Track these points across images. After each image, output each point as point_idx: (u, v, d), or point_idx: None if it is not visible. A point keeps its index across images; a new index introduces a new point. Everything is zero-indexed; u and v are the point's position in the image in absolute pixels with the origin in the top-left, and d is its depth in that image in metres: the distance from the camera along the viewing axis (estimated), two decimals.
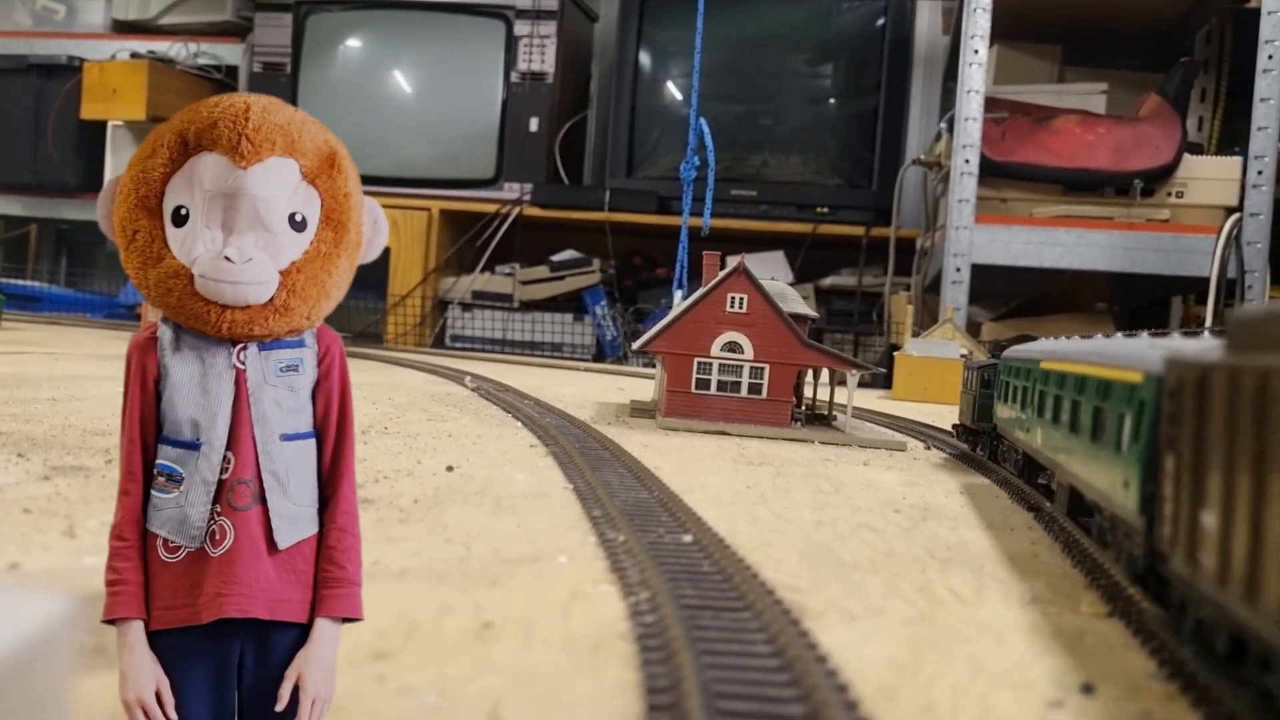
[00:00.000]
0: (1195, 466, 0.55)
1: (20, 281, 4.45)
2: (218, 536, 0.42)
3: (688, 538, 0.92)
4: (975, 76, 2.80)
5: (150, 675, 0.41)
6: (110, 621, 0.42)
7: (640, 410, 1.97)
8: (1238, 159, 2.80)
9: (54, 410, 1.47)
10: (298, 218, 0.42)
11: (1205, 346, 0.62)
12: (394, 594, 0.74)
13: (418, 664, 0.61)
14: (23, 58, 4.46)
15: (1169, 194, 2.84)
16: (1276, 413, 0.43)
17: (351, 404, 0.46)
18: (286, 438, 0.43)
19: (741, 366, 1.77)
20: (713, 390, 1.77)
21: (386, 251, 4.02)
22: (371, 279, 4.05)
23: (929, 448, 1.77)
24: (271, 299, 0.42)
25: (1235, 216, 2.68)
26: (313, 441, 0.44)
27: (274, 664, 0.43)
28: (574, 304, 3.97)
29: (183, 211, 0.42)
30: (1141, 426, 0.68)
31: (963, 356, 2.59)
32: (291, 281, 0.42)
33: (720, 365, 1.77)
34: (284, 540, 0.43)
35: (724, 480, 1.30)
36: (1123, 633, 0.77)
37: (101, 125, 4.33)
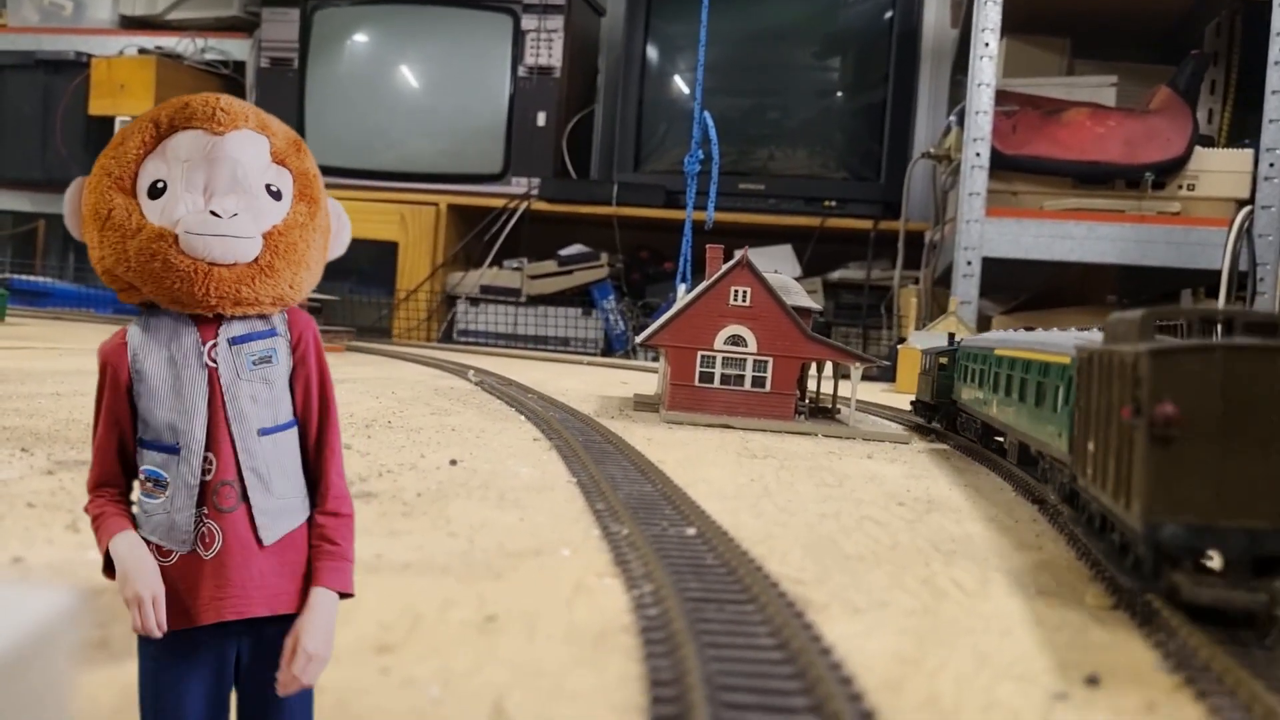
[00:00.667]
0: (1084, 414, 0.85)
1: (28, 277, 4.47)
2: (208, 539, 0.42)
3: (691, 531, 0.92)
4: (986, 70, 2.78)
5: (152, 572, 0.41)
6: (109, 569, 0.42)
7: (644, 404, 1.97)
8: (1249, 151, 2.77)
9: (58, 405, 1.47)
10: (273, 189, 0.43)
11: (1095, 338, 0.87)
12: (397, 587, 0.74)
13: (421, 656, 0.61)
14: (30, 54, 4.48)
15: (1180, 187, 2.82)
16: (1112, 377, 0.74)
17: (331, 386, 0.46)
18: (264, 432, 0.43)
19: (745, 360, 1.76)
20: (716, 384, 1.77)
21: (394, 246, 4.03)
22: (379, 274, 4.06)
23: (933, 440, 1.76)
24: (256, 258, 0.42)
25: (1246, 209, 2.66)
26: (293, 431, 0.44)
27: (272, 658, 0.43)
28: (582, 298, 3.97)
29: (159, 184, 0.42)
30: (1069, 394, 0.95)
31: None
32: (274, 243, 0.42)
33: (724, 359, 1.77)
34: (269, 536, 0.43)
35: (727, 473, 1.30)
36: (1127, 625, 0.76)
37: (109, 121, 4.34)
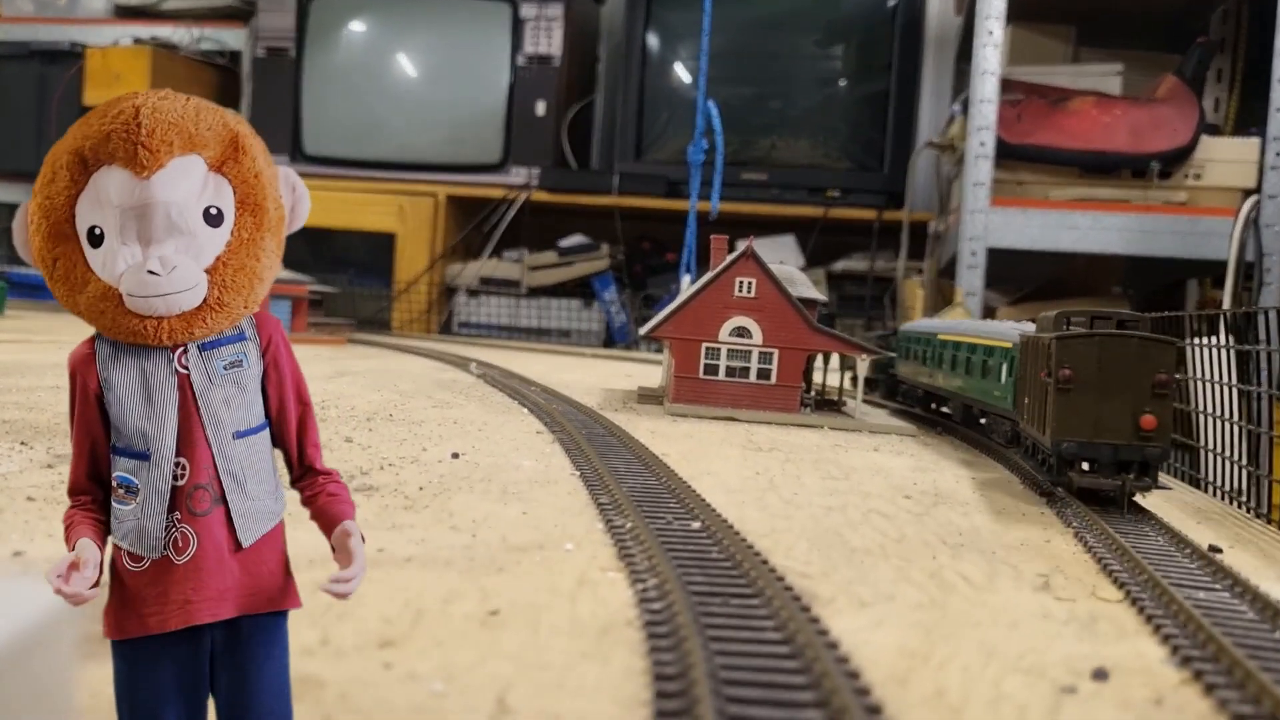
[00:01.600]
0: (1020, 380, 1.29)
1: (24, 270, 4.46)
2: (180, 544, 0.41)
3: (696, 524, 0.91)
4: (990, 58, 2.76)
5: (91, 554, 0.41)
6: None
7: (648, 396, 1.96)
8: (1256, 140, 2.75)
9: (58, 398, 1.47)
10: (213, 212, 0.41)
11: (1029, 329, 1.31)
12: (400, 581, 0.73)
13: (424, 651, 0.61)
14: (25, 44, 4.46)
15: (1186, 176, 2.80)
16: (1037, 354, 1.12)
17: (305, 385, 0.46)
18: (239, 435, 0.43)
19: (750, 352, 1.76)
20: (721, 376, 1.76)
21: (393, 238, 4.02)
22: (377, 265, 4.05)
23: (940, 433, 1.76)
24: (205, 299, 0.41)
25: (1253, 199, 2.64)
26: (265, 434, 0.44)
27: (245, 656, 0.42)
28: (583, 290, 3.96)
29: (97, 231, 0.41)
30: (1011, 367, 1.36)
31: None
32: (220, 277, 0.41)
33: (728, 350, 1.76)
34: (248, 538, 0.43)
35: (732, 466, 1.29)
36: (1135, 618, 0.76)
37: None
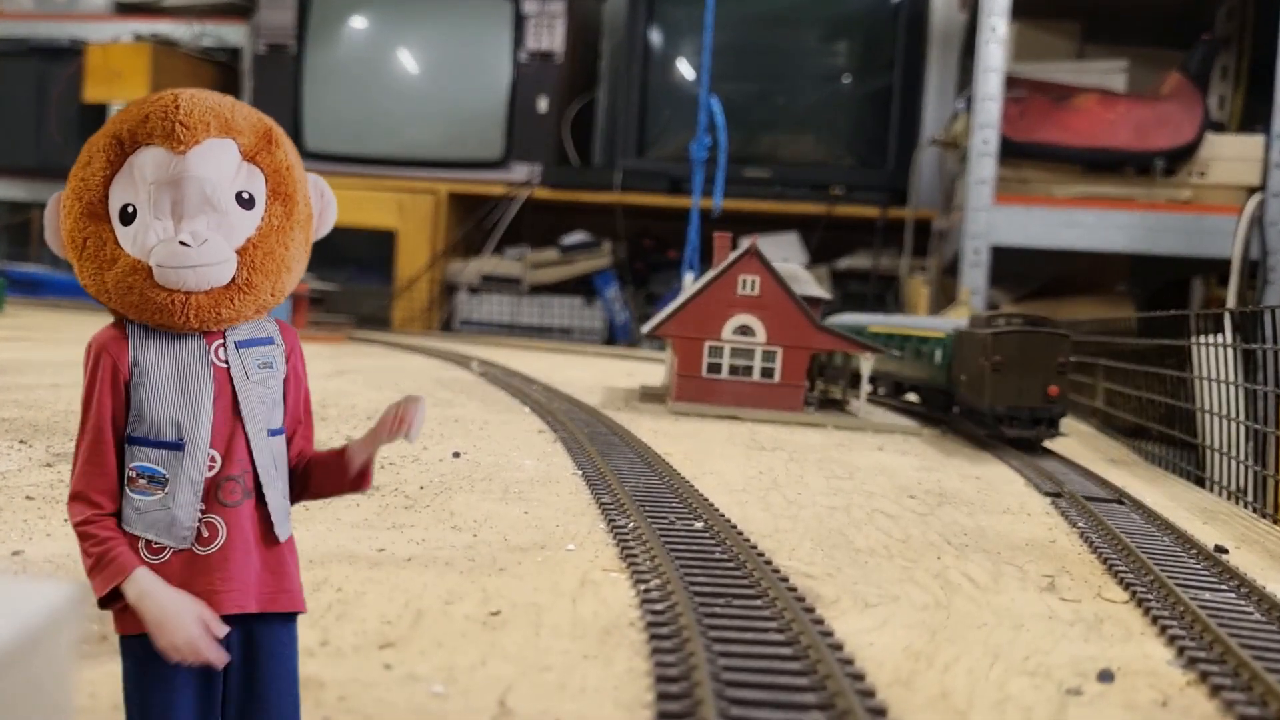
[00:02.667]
0: (955, 363, 1.71)
1: (23, 267, 4.46)
2: (206, 535, 0.41)
3: (699, 524, 0.91)
4: (994, 54, 2.75)
5: (190, 609, 0.40)
6: (109, 599, 0.40)
7: (650, 395, 1.95)
8: (1260, 138, 2.74)
9: (56, 396, 1.46)
10: (245, 195, 0.42)
11: (961, 324, 1.73)
12: (400, 581, 0.73)
13: (425, 652, 0.60)
14: (24, 41, 4.45)
15: (1190, 173, 2.79)
16: (974, 344, 1.59)
17: (309, 397, 0.48)
18: (272, 433, 0.44)
19: (753, 350, 1.75)
20: (724, 374, 1.75)
21: (394, 235, 4.01)
22: (378, 263, 4.05)
23: (943, 432, 1.75)
24: (234, 278, 0.41)
25: (1258, 196, 2.63)
26: (283, 436, 0.45)
27: (259, 657, 0.42)
28: (584, 287, 3.95)
29: (129, 209, 0.41)
30: (945, 353, 1.75)
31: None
32: (250, 258, 0.42)
33: (732, 349, 1.75)
34: (283, 532, 0.43)
35: (736, 466, 1.29)
36: (1141, 619, 0.75)
37: (104, 108, 4.32)
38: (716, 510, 0.96)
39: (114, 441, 0.42)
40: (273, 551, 0.43)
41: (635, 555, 0.81)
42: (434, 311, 4.04)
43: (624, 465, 1.17)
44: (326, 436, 1.30)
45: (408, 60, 4.14)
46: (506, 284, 3.97)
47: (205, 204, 0.40)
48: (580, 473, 1.16)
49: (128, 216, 0.41)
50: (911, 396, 2.04)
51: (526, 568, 0.78)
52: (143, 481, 0.41)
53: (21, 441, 1.13)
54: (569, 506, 0.99)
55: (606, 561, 0.81)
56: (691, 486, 1.06)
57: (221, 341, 0.42)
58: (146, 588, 0.40)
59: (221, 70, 4.42)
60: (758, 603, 0.70)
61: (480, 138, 3.99)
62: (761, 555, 0.81)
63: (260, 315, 0.43)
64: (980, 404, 1.55)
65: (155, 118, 0.41)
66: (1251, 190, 2.71)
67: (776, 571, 0.77)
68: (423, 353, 2.86)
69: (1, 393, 1.48)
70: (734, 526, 0.90)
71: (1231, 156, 2.79)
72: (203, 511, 0.41)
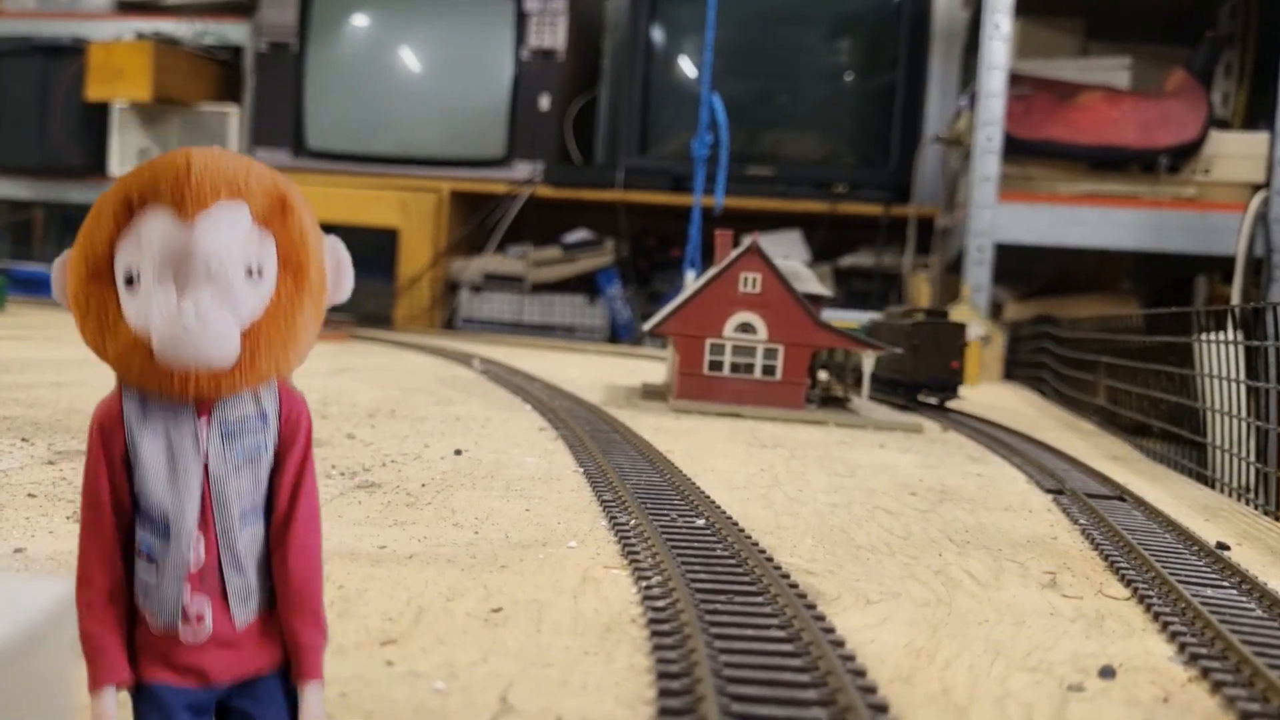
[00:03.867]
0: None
1: (26, 265, 4.47)
2: (192, 616, 0.41)
3: (700, 521, 0.91)
4: (997, 52, 2.74)
5: None
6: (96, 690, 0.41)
7: (652, 393, 1.95)
8: (1265, 135, 2.73)
9: (58, 394, 1.47)
10: (253, 266, 0.40)
11: (876, 316, 2.50)
12: (402, 578, 0.73)
13: (426, 649, 0.61)
14: (27, 39, 4.45)
15: (1195, 171, 2.79)
16: (893, 330, 2.14)
17: (312, 483, 0.44)
18: (245, 520, 0.42)
19: (755, 348, 1.75)
20: (726, 372, 1.75)
21: (396, 233, 4.02)
22: (380, 261, 4.05)
23: (946, 429, 1.75)
24: (236, 358, 0.40)
25: (1262, 194, 2.62)
26: (260, 526, 0.43)
27: (258, 697, 0.43)
28: (587, 285, 3.95)
29: (133, 274, 0.40)
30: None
31: (983, 338, 2.59)
32: (254, 338, 0.40)
33: (733, 347, 1.75)
34: (242, 620, 0.42)
35: (737, 463, 1.29)
36: (1143, 616, 0.75)
37: (107, 107, 4.32)
38: (718, 507, 0.96)
39: (112, 515, 0.42)
40: (261, 625, 0.42)
41: (636, 552, 0.81)
42: (436, 310, 4.05)
43: (625, 463, 1.17)
44: (328, 434, 1.30)
45: (410, 59, 4.14)
46: (509, 282, 3.97)
47: (209, 277, 0.39)
48: (582, 470, 1.16)
49: (132, 281, 0.40)
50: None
51: (528, 565, 0.79)
52: (143, 559, 0.41)
53: (23, 439, 1.13)
54: (570, 504, 0.99)
55: (608, 558, 0.81)
56: (693, 484, 1.06)
57: (208, 422, 0.41)
58: (101, 712, 0.40)
59: (224, 69, 4.43)
60: (759, 599, 0.70)
61: (482, 136, 3.99)
62: (763, 552, 0.81)
63: (262, 384, 0.42)
64: (903, 377, 2.05)
65: (165, 180, 0.39)
66: (1256, 187, 2.70)
67: (778, 568, 0.77)
68: (425, 351, 2.86)
69: (3, 391, 1.48)
70: (735, 523, 0.90)
71: (1236, 154, 2.79)
72: (190, 593, 0.41)
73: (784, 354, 1.74)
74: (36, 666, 0.39)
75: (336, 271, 0.44)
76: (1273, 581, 0.82)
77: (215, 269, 0.39)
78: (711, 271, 1.78)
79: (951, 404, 2.01)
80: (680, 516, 0.92)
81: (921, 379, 2.00)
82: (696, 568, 0.76)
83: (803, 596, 0.71)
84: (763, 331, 1.74)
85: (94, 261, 0.40)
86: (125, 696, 0.41)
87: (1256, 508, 1.27)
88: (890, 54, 3.73)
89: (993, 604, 0.76)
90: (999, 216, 2.77)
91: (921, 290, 3.21)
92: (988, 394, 2.54)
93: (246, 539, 0.42)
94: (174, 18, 4.43)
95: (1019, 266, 3.06)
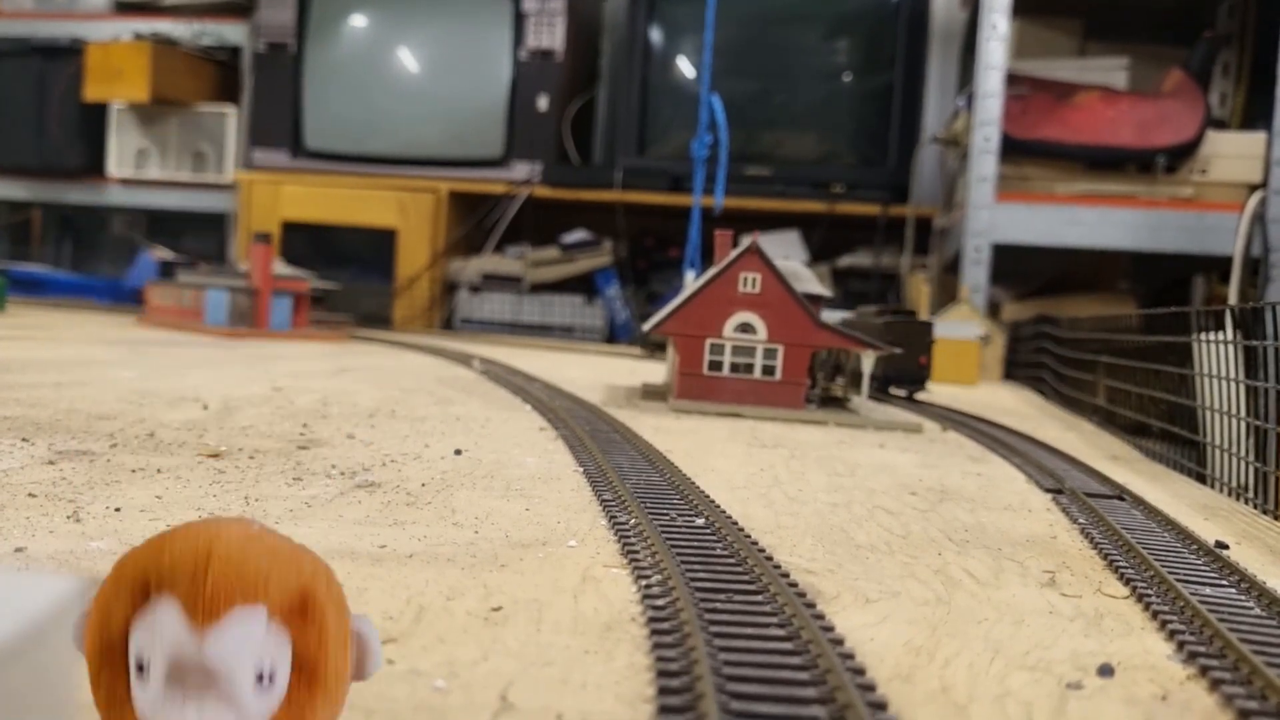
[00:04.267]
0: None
1: (24, 266, 4.46)
2: None
3: (700, 521, 0.91)
4: (995, 52, 2.75)
5: None
6: None
7: (652, 393, 1.96)
8: (1262, 135, 2.74)
9: (58, 395, 1.47)
10: (265, 671, 0.39)
11: (847, 316, 2.51)
12: (402, 578, 0.73)
13: (426, 647, 0.61)
14: (25, 40, 4.45)
15: (1192, 171, 2.79)
16: (858, 330, 1.96)
17: None
18: None
19: (755, 348, 1.75)
20: (725, 372, 1.75)
21: (394, 234, 4.02)
22: (378, 262, 4.05)
23: (945, 429, 1.75)
24: None
25: (1259, 194, 2.63)
26: None
27: None
28: (585, 286, 3.95)
29: (144, 663, 0.39)
30: None
31: (982, 337, 2.60)
32: None
33: (733, 347, 1.75)
34: None
35: (737, 463, 1.29)
36: (1141, 614, 0.75)
37: (105, 107, 4.32)
38: (718, 507, 0.96)
39: None
40: None
41: (636, 551, 0.81)
42: (435, 310, 4.05)
43: (625, 462, 1.17)
44: (328, 435, 1.30)
45: (408, 59, 4.14)
46: (507, 282, 3.97)
47: (217, 689, 0.38)
48: (581, 470, 1.16)
49: (143, 669, 0.39)
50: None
51: (528, 564, 0.79)
52: None
53: (24, 439, 1.13)
54: (570, 503, 0.99)
55: (608, 558, 0.81)
56: (693, 483, 1.06)
57: None
58: None
59: (222, 69, 4.43)
60: (759, 598, 0.70)
61: (481, 136, 3.99)
62: (762, 551, 0.81)
63: None
64: (875, 371, 2.13)
65: (182, 573, 0.38)
66: (1253, 187, 2.70)
67: (777, 567, 0.77)
68: (424, 351, 2.86)
69: (3, 391, 1.48)
70: (735, 523, 0.90)
71: (1233, 153, 2.79)
72: None
73: (784, 354, 1.74)
74: (38, 665, 0.39)
75: (362, 656, 0.42)
76: (1271, 580, 0.82)
77: (223, 686, 0.39)
78: (711, 272, 1.78)
79: (919, 396, 2.16)
80: (680, 516, 0.92)
81: (893, 374, 2.14)
82: (696, 567, 0.76)
83: (802, 595, 0.71)
84: (762, 331, 1.74)
85: (109, 638, 0.40)
86: None
87: (1255, 507, 1.28)
88: (888, 54, 3.74)
89: (992, 603, 0.76)
90: (997, 217, 2.77)
91: (920, 290, 3.21)
92: (987, 394, 2.54)
93: None
94: (172, 18, 4.43)
95: (1017, 266, 3.06)
